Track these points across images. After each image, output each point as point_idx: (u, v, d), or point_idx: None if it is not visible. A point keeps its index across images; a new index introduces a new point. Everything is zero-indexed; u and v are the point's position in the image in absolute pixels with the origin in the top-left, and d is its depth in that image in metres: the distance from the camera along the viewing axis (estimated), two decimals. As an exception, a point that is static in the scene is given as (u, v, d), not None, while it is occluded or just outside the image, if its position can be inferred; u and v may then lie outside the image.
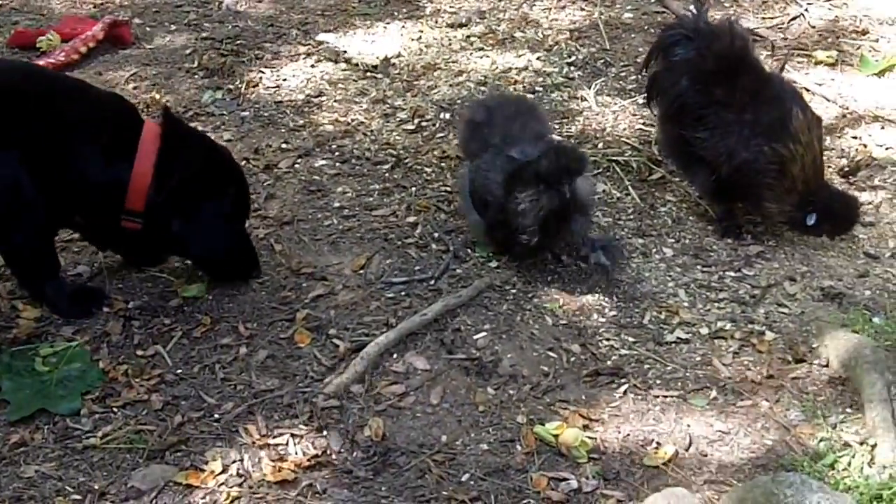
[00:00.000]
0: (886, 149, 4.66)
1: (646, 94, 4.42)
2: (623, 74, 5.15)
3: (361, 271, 3.87)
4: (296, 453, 3.15)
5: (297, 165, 4.47)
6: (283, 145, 4.59)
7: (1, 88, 3.43)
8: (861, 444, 3.19)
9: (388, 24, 5.61)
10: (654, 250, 4.05)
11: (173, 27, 5.60)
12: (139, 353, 3.52)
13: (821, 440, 3.21)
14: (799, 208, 3.91)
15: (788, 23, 5.61)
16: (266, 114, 4.85)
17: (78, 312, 3.66)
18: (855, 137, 4.66)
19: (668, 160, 4.39)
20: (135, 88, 5.03)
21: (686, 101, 4.05)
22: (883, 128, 4.81)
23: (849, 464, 3.09)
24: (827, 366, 3.53)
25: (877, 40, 5.48)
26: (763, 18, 5.59)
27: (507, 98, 4.59)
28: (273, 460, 3.12)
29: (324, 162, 4.50)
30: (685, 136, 4.03)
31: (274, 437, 3.20)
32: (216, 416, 3.29)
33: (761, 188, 3.91)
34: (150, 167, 3.47)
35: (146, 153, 3.46)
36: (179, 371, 3.46)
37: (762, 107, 3.91)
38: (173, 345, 3.56)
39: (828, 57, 5.26)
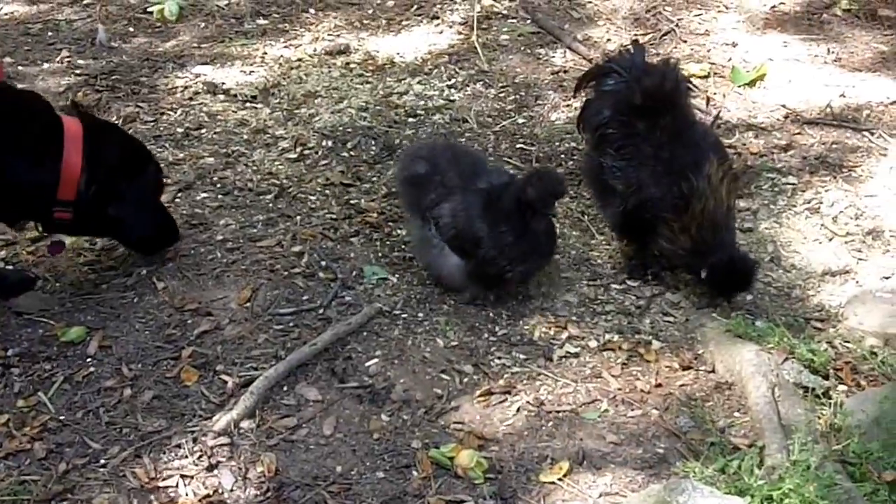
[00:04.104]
0: (761, 156, 4.80)
1: (576, 121, 4.43)
2: (502, 95, 5.20)
3: (248, 304, 3.81)
4: (186, 494, 3.08)
5: (178, 199, 4.39)
6: (164, 180, 4.50)
7: None
8: (749, 446, 3.25)
9: (265, 53, 5.56)
10: (541, 267, 4.08)
11: (46, 65, 5.46)
12: (20, 401, 3.42)
13: (710, 445, 3.27)
14: (691, 254, 3.84)
15: (660, 38, 5.74)
16: (144, 149, 4.76)
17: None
18: (730, 147, 4.77)
19: (586, 187, 4.39)
20: (6, 129, 4.88)
21: (608, 130, 4.07)
22: (757, 136, 4.95)
23: (739, 467, 3.14)
24: (713, 371, 3.60)
25: (747, 52, 5.64)
26: (635, 35, 5.70)
27: (434, 145, 4.52)
28: (163, 503, 3.04)
29: (205, 195, 4.43)
30: (604, 164, 4.04)
31: (163, 480, 3.13)
32: (102, 461, 3.21)
33: (660, 224, 3.88)
34: (80, 160, 3.65)
35: (74, 148, 3.66)
36: (62, 417, 3.36)
37: (680, 149, 3.90)
38: (55, 390, 3.46)
39: (700, 70, 5.39)
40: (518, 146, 4.80)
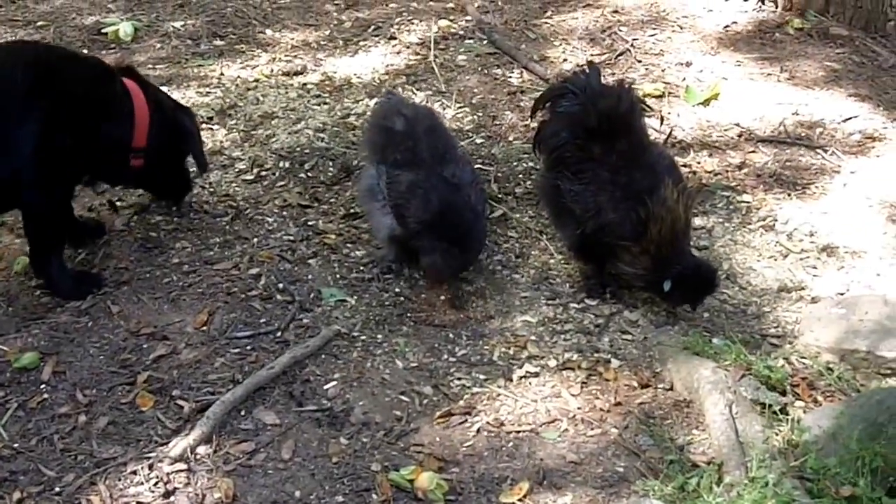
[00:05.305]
0: (716, 175, 4.84)
1: (532, 142, 4.44)
2: (460, 115, 5.21)
3: (204, 328, 3.78)
4: (142, 522, 3.04)
5: (132, 223, 4.35)
6: (118, 203, 4.46)
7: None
8: (708, 463, 3.27)
9: (222, 74, 5.53)
10: (500, 286, 4.08)
11: None
12: (-28, 430, 3.36)
13: (669, 463, 3.28)
14: (653, 272, 3.88)
15: (616, 58, 5.78)
16: (99, 172, 4.71)
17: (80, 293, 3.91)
18: (685, 166, 4.81)
19: (542, 207, 4.40)
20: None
21: (564, 153, 4.07)
22: (711, 155, 4.99)
23: (698, 484, 3.16)
24: (671, 389, 3.61)
25: (701, 71, 5.70)
26: (591, 55, 5.74)
27: (416, 107, 4.61)
28: (119, 531, 3.01)
29: (161, 217, 4.39)
30: (560, 186, 4.05)
31: (119, 507, 3.08)
32: (57, 489, 3.16)
33: (619, 249, 3.91)
34: (146, 109, 4.00)
35: (139, 98, 4.00)
36: (16, 445, 3.31)
37: (637, 173, 3.92)
38: (8, 418, 3.41)
39: (655, 89, 5.43)
40: (476, 167, 4.79)
